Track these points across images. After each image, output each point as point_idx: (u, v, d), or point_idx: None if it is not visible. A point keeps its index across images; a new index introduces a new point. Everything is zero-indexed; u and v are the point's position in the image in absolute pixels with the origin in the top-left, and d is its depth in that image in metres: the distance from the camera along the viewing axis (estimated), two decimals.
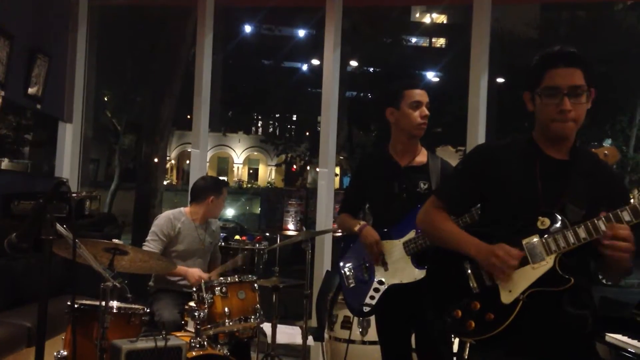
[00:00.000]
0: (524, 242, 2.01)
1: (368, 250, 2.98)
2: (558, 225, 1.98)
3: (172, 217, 4.10)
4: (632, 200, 1.99)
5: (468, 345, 2.09)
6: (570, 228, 1.96)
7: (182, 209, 4.21)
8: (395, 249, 2.95)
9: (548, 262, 1.97)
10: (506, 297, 1.99)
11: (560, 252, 1.97)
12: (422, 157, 3.08)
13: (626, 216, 1.91)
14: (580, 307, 2.02)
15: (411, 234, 2.91)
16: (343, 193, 3.44)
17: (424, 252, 2.86)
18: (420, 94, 3.01)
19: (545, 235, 1.99)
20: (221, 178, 4.77)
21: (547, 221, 2.00)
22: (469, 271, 2.09)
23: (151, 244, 4.00)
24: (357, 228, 3.04)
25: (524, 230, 2.02)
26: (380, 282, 2.96)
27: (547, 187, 2.04)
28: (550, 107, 2.00)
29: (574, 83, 1.99)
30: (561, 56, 2.02)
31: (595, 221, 1.93)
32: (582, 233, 1.94)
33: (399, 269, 2.93)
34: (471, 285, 2.07)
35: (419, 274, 2.87)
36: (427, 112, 3.00)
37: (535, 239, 2.00)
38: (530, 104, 2.11)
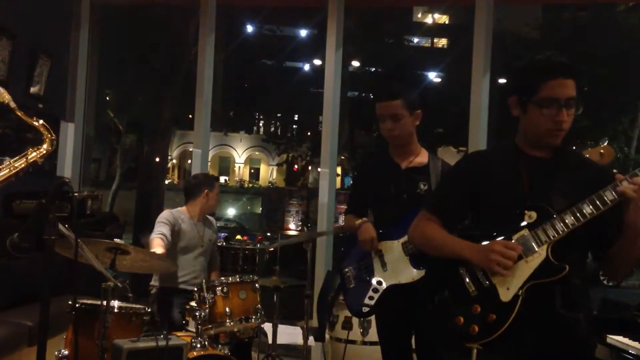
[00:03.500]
0: (514, 237, 2.02)
1: (363, 246, 2.99)
2: (545, 216, 2.00)
3: (174, 212, 4.17)
4: None
5: (474, 352, 2.06)
6: (557, 216, 1.98)
7: (179, 208, 4.26)
8: (394, 249, 2.96)
9: (540, 254, 1.99)
10: (505, 295, 1.99)
11: (551, 242, 1.98)
12: (422, 158, 3.08)
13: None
14: (574, 309, 2.01)
15: None
16: (348, 195, 3.44)
17: (423, 252, 2.86)
18: (381, 107, 3.00)
19: (534, 228, 2.01)
20: (211, 174, 4.84)
21: (534, 214, 2.02)
22: (465, 276, 2.08)
23: (160, 229, 3.98)
24: (358, 223, 3.05)
25: (513, 227, 2.04)
26: (379, 283, 2.97)
27: (533, 185, 2.07)
28: (546, 117, 2.02)
29: (570, 95, 2.01)
30: (558, 67, 2.02)
31: (580, 205, 1.95)
32: (568, 219, 1.96)
33: (398, 269, 2.94)
34: (469, 289, 2.07)
35: (417, 274, 2.87)
36: (388, 125, 2.98)
37: (524, 233, 2.02)
38: (516, 110, 2.11)
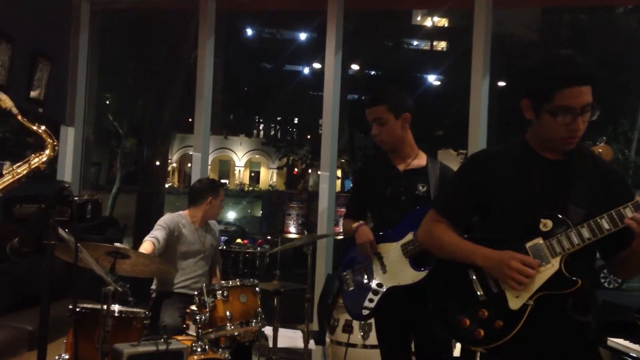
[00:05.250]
0: (528, 245, 1.99)
1: (361, 250, 3.00)
2: (561, 226, 1.96)
3: (175, 216, 4.16)
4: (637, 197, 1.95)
5: (478, 355, 2.06)
6: (574, 228, 1.94)
7: (181, 212, 4.25)
8: (393, 251, 2.96)
9: (554, 265, 1.95)
10: (514, 303, 1.97)
11: (565, 254, 1.95)
12: (420, 160, 3.09)
13: None
14: (584, 313, 2.00)
15: (409, 236, 2.91)
16: (347, 198, 3.45)
17: (422, 254, 2.86)
18: (368, 113, 3.06)
19: (549, 238, 1.97)
20: (217, 180, 4.80)
21: (550, 223, 1.98)
22: (474, 278, 2.06)
23: (154, 233, 3.98)
24: (354, 226, 3.05)
25: (527, 234, 2.00)
26: (379, 285, 2.96)
27: (546, 189, 2.02)
28: (561, 126, 1.96)
29: (586, 102, 1.94)
30: (575, 75, 1.93)
31: (598, 220, 1.91)
32: (585, 233, 1.92)
33: (397, 271, 2.93)
34: (477, 292, 2.04)
35: (417, 276, 2.87)
36: (374, 130, 3.04)
37: (538, 242, 1.98)
38: (530, 113, 2.04)
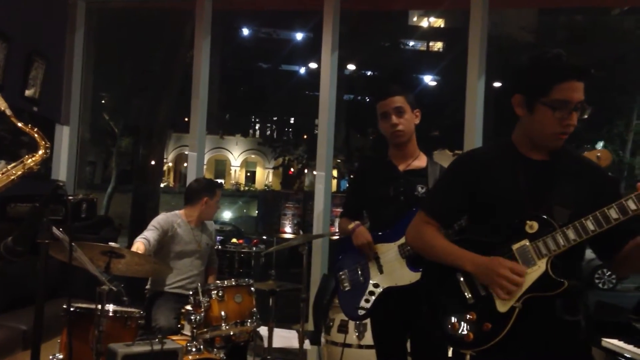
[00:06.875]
0: (514, 247, 1.99)
1: (360, 251, 3.00)
2: (546, 228, 1.97)
3: (170, 216, 4.15)
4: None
5: (468, 357, 2.07)
6: (559, 230, 1.94)
7: (177, 211, 4.23)
8: (390, 251, 2.96)
9: (540, 267, 1.96)
10: (502, 306, 1.98)
11: (551, 255, 1.95)
12: (421, 161, 3.09)
13: (632, 204, 1.88)
14: (573, 313, 2.00)
15: None
16: (344, 197, 3.45)
17: (419, 254, 2.86)
18: (384, 104, 3.04)
19: (535, 239, 1.98)
20: (214, 180, 4.78)
21: (536, 225, 1.98)
22: (462, 280, 2.07)
23: (146, 233, 3.96)
24: (351, 227, 3.05)
25: (513, 236, 2.01)
26: (376, 285, 2.97)
27: (531, 190, 2.02)
28: (556, 120, 1.97)
29: (581, 98, 1.97)
30: (573, 69, 1.96)
31: (584, 221, 1.92)
32: (571, 234, 1.93)
33: (394, 271, 2.94)
34: (465, 295, 2.05)
35: (413, 276, 2.87)
36: (394, 120, 3.01)
37: (525, 244, 1.99)
38: (521, 109, 2.05)
